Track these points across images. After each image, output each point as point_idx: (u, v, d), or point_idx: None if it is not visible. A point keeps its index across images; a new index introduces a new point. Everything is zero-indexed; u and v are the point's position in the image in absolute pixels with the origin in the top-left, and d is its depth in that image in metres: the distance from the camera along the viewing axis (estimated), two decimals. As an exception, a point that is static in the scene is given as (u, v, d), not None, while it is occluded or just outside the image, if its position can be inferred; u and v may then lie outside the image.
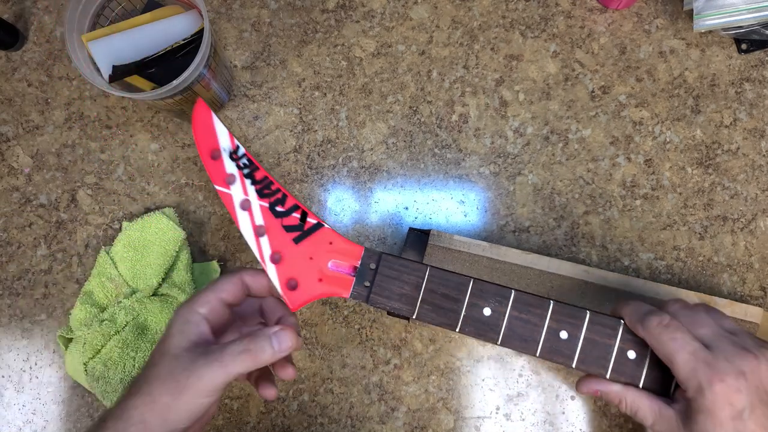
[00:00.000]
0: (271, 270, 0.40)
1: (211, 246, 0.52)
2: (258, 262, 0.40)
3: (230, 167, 0.41)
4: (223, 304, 0.38)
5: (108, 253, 0.50)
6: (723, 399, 0.34)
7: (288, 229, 0.40)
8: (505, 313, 0.39)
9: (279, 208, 0.40)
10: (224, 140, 0.41)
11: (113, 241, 0.51)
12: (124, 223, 0.50)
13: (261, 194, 0.40)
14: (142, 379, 0.35)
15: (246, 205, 0.40)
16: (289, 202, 0.40)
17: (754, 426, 0.34)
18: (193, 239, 0.52)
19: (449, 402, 0.49)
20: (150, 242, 0.49)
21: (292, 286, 0.40)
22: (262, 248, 0.40)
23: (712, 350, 0.35)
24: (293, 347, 0.36)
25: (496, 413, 0.49)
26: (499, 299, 0.39)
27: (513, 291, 0.40)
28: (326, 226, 0.41)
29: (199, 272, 0.51)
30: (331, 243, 0.41)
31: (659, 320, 0.36)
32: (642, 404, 0.37)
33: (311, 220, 0.41)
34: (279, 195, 0.41)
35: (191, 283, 0.49)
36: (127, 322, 0.48)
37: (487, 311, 0.39)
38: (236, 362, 0.34)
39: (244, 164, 0.41)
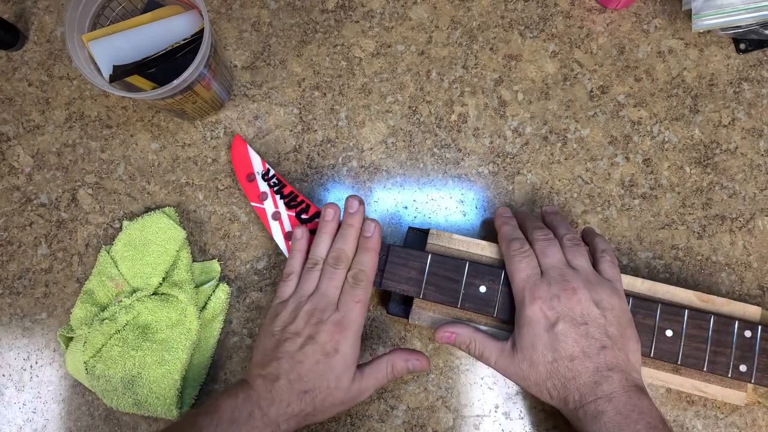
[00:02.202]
0: None
1: (211, 245, 0.52)
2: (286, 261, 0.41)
3: (263, 186, 0.49)
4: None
5: (108, 252, 0.50)
6: (539, 313, 0.41)
7: (313, 232, 0.47)
8: (498, 289, 0.44)
9: (304, 216, 0.48)
10: (257, 165, 0.50)
11: (113, 240, 0.51)
12: (125, 222, 0.50)
13: (288, 206, 0.49)
14: None
15: (277, 216, 0.48)
16: (312, 210, 0.48)
17: (563, 338, 0.40)
18: (194, 238, 0.52)
19: (448, 400, 0.49)
20: (150, 241, 0.49)
21: None
22: None
23: (543, 277, 0.42)
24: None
25: (495, 412, 0.49)
26: (492, 278, 0.45)
27: (503, 270, 0.45)
28: None
29: (200, 271, 0.51)
30: None
31: (519, 246, 0.44)
32: (487, 345, 0.43)
33: None
34: (303, 205, 0.48)
35: (191, 283, 0.49)
36: (128, 321, 0.48)
37: (482, 288, 0.45)
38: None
39: (274, 183, 0.49)
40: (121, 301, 0.48)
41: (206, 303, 0.50)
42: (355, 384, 0.42)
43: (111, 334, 0.48)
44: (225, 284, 0.50)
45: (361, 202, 0.46)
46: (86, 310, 0.49)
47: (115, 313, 0.48)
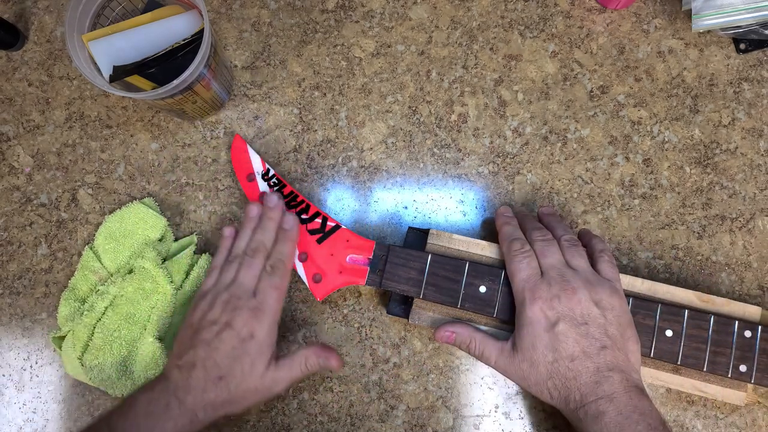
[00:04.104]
0: (299, 267, 0.47)
1: (211, 245, 0.52)
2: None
3: (263, 186, 0.49)
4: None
5: (91, 248, 0.50)
6: (539, 313, 0.41)
7: (312, 232, 0.47)
8: (498, 289, 0.44)
9: (304, 216, 0.48)
10: (257, 165, 0.49)
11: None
12: (106, 216, 0.51)
13: (288, 206, 0.48)
14: None
15: None
16: (312, 210, 0.48)
17: (564, 338, 0.40)
18: (193, 238, 0.52)
19: (448, 400, 0.49)
20: (131, 232, 0.50)
21: (317, 279, 0.47)
22: None
23: (543, 277, 0.42)
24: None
25: (495, 412, 0.49)
26: (492, 278, 0.45)
27: (503, 270, 0.45)
28: (343, 227, 0.47)
29: (178, 247, 0.51)
30: (348, 240, 0.47)
31: (520, 247, 0.44)
32: (487, 344, 0.44)
33: (330, 223, 0.47)
34: (303, 205, 0.48)
35: (152, 250, 0.49)
36: (106, 307, 0.48)
37: (482, 289, 0.45)
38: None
39: (274, 183, 0.49)
40: (98, 290, 0.48)
41: (188, 272, 0.50)
42: (270, 372, 0.42)
43: (93, 324, 0.48)
44: (207, 254, 0.50)
45: (280, 198, 0.47)
46: (70, 306, 0.49)
47: (94, 303, 0.48)
